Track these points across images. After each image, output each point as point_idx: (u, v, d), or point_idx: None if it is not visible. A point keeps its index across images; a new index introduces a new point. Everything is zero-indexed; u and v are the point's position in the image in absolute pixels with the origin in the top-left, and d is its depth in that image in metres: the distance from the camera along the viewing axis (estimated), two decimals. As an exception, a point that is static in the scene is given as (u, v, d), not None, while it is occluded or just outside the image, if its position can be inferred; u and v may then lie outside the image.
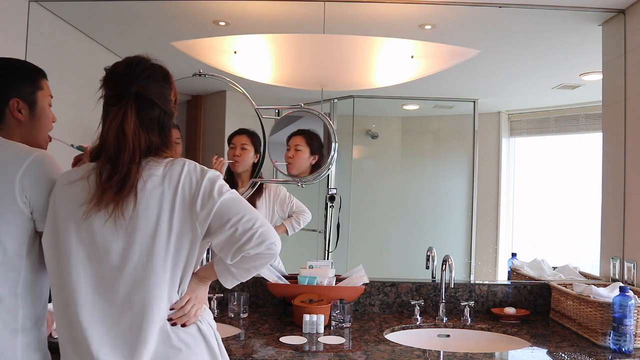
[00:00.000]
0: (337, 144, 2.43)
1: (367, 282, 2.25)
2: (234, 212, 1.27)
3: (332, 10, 2.41)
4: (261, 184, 2.53)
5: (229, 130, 2.65)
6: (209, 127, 2.81)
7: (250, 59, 2.73)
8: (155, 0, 2.42)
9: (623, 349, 1.79)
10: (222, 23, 2.54)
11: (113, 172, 1.24)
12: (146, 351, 1.22)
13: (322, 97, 2.62)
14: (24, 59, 2.41)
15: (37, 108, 1.46)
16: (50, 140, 1.54)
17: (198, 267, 1.37)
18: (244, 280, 1.36)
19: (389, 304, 2.38)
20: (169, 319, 1.27)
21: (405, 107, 2.95)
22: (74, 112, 2.25)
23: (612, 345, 1.83)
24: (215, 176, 1.31)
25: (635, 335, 1.81)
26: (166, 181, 1.27)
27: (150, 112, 1.30)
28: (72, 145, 1.56)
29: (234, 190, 1.32)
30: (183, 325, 1.28)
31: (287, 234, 2.54)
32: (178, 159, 1.32)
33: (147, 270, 1.24)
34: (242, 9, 2.45)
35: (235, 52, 2.71)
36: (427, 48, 2.65)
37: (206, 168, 1.32)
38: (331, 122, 2.44)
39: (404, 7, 2.39)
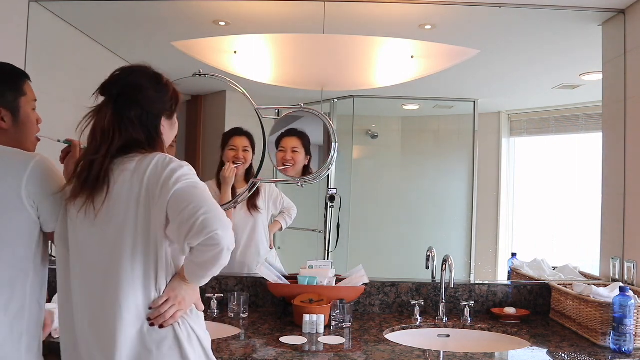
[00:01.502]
0: (337, 144, 2.42)
1: (367, 282, 2.25)
2: (184, 201, 1.22)
3: (332, 10, 2.41)
4: (257, 184, 2.51)
5: (229, 130, 2.65)
6: (209, 127, 2.81)
7: (250, 59, 2.73)
8: (155, 0, 2.42)
9: (623, 349, 1.79)
10: (222, 23, 2.54)
11: (89, 166, 1.28)
12: (120, 349, 1.21)
13: (322, 97, 2.62)
14: (23, 59, 2.42)
15: (20, 115, 1.43)
16: (38, 141, 1.52)
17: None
18: (206, 279, 1.29)
19: (389, 304, 2.38)
20: (148, 319, 1.25)
21: (405, 107, 2.95)
22: (74, 112, 2.25)
23: (612, 345, 1.83)
24: (178, 166, 1.28)
25: (635, 335, 1.81)
26: (135, 175, 1.27)
27: (129, 112, 1.31)
28: (59, 141, 1.57)
29: (196, 180, 1.28)
30: (161, 327, 1.25)
31: (282, 229, 2.59)
32: (152, 153, 1.31)
33: (115, 266, 1.24)
34: (242, 9, 2.45)
35: (235, 52, 2.71)
36: (427, 48, 2.65)
37: (176, 160, 1.30)
38: (331, 122, 2.43)
39: (404, 7, 2.39)
